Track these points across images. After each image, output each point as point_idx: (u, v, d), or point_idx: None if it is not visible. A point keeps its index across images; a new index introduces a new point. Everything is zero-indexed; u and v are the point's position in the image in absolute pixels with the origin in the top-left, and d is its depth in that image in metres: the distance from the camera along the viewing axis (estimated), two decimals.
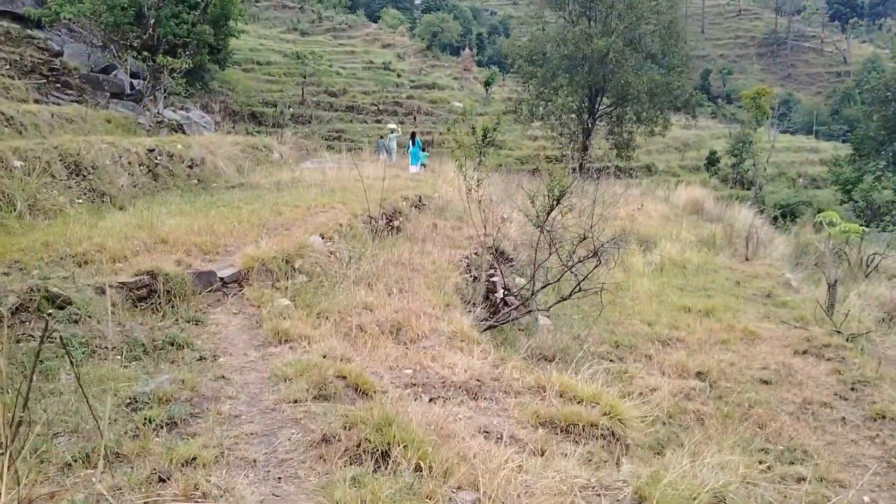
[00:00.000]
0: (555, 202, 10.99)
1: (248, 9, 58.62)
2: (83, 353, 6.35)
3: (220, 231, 10.79)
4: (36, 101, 27.11)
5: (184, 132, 30.42)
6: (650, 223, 22.76)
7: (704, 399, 10.47)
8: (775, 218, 28.54)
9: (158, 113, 32.53)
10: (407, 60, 67.46)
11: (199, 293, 8.23)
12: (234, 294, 8.53)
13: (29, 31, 31.66)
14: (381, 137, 36.11)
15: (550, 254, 11.43)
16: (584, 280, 10.89)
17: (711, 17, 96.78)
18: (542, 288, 11.65)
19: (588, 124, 42.35)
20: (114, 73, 31.84)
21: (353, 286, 9.81)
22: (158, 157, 18.84)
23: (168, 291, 7.96)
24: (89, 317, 7.04)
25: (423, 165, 31.52)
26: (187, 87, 37.74)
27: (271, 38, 64.85)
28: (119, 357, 6.53)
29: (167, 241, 9.87)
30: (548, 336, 12.56)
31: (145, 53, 31.60)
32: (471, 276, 13.33)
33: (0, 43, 30.01)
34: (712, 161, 45.77)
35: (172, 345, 6.87)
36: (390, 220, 15.01)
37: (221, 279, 8.50)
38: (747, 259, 20.70)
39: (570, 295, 11.04)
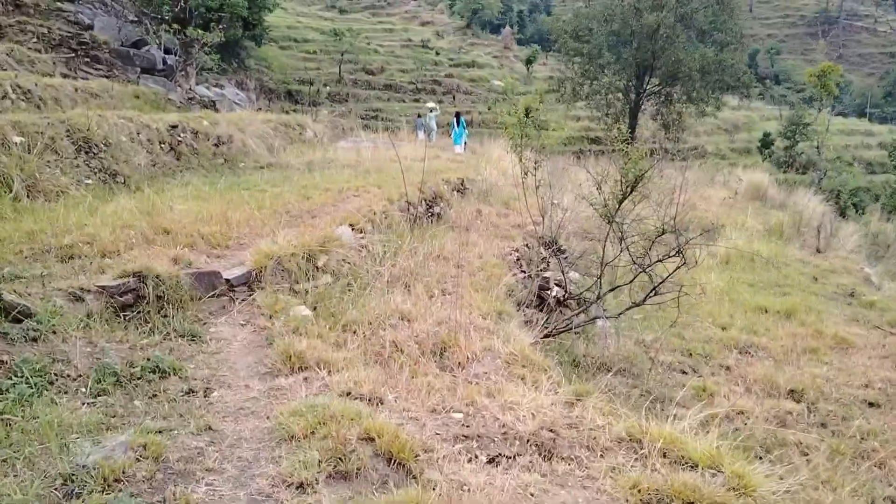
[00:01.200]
0: (629, 189, 9.23)
1: None
2: (34, 384, 4.77)
3: (236, 219, 9.21)
4: (64, 76, 25.74)
5: (216, 109, 28.99)
6: (711, 210, 20.81)
7: (805, 426, 8.68)
8: (844, 205, 26.30)
9: (190, 89, 31.18)
10: (446, 38, 65.44)
11: (200, 299, 6.65)
12: (243, 300, 6.93)
13: (59, 4, 30.29)
14: (419, 116, 34.35)
15: (622, 250, 9.66)
16: (663, 282, 9.11)
17: None
18: (611, 291, 9.89)
19: (635, 104, 40.16)
20: (145, 48, 30.42)
21: (388, 288, 8.18)
22: (182, 135, 17.34)
23: (160, 297, 6.38)
24: (53, 333, 5.48)
25: (465, 145, 29.79)
26: (221, 63, 36.40)
27: (309, 15, 63.26)
28: (84, 390, 4.96)
29: (170, 231, 8.31)
30: (608, 342, 10.85)
31: (176, 26, 30.22)
32: (522, 272, 11.64)
33: (28, 15, 28.69)
34: (766, 143, 43.29)
35: (156, 371, 5.28)
36: (430, 206, 13.34)
37: (228, 281, 6.90)
38: (818, 251, 18.72)
39: (645, 300, 9.29)
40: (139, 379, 5.18)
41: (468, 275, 9.47)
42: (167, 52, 31.83)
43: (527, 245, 12.38)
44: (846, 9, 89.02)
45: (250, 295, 6.97)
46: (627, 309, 9.78)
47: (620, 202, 9.41)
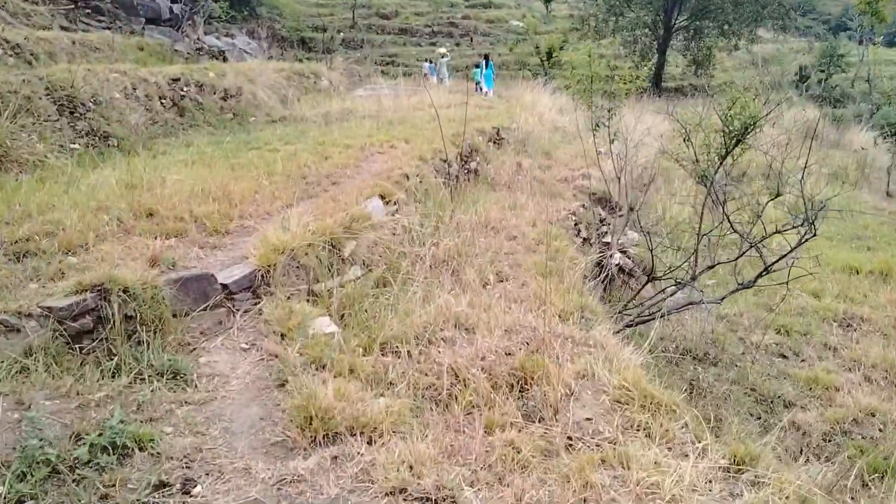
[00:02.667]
0: (734, 142, 7.21)
1: None
2: None
3: (239, 193, 7.31)
4: (64, 29, 23.66)
5: (225, 59, 26.85)
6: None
7: None
8: None
9: (198, 39, 29.05)
10: None
11: (187, 314, 4.78)
12: (246, 311, 5.06)
13: None
14: (428, 61, 32.19)
15: (721, 222, 7.64)
16: (784, 257, 7.14)
17: None
18: (710, 269, 7.92)
19: (663, 40, 37.45)
20: None
21: (432, 276, 6.29)
22: (185, 88, 15.36)
23: (130, 317, 4.53)
24: None
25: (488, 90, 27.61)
26: (230, 11, 34.12)
27: None
28: None
29: (156, 213, 6.43)
30: (688, 320, 8.95)
31: None
32: (582, 238, 9.71)
33: None
34: (803, 77, 40.51)
35: (113, 450, 3.46)
36: (466, 162, 11.35)
37: (225, 287, 5.03)
38: (889, 195, 16.56)
39: (755, 281, 7.32)
40: (87, 465, 3.35)
41: (526, 250, 7.54)
42: (174, 0, 29.57)
43: (583, 206, 10.40)
44: None
45: (255, 304, 5.11)
46: (733, 292, 7.80)
47: (723, 158, 7.40)
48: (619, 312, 7.27)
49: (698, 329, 8.47)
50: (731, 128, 7.21)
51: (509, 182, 11.65)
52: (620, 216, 11.36)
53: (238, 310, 4.99)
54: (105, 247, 5.50)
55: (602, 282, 8.91)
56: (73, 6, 25.70)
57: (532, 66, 37.38)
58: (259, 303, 5.08)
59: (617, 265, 9.84)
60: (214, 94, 16.35)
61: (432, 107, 19.32)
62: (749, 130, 7.19)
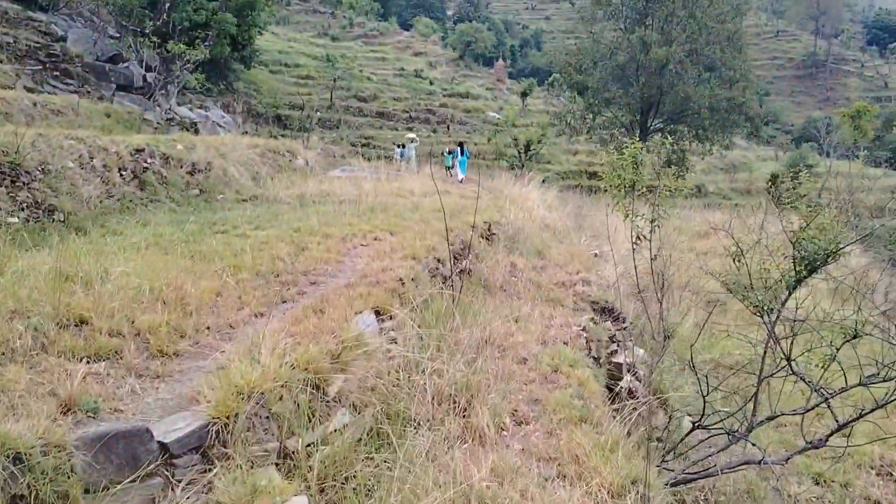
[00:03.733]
0: (806, 270, 5.98)
1: (278, 11, 54.25)
2: None
3: (197, 294, 5.86)
4: (28, 90, 22.26)
5: (197, 131, 25.62)
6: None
7: None
8: None
9: (170, 109, 27.77)
10: (439, 69, 62.52)
11: (107, 488, 3.27)
12: (191, 480, 3.56)
13: (30, 13, 26.82)
14: (399, 146, 31.78)
15: (785, 364, 6.28)
16: (861, 417, 5.81)
17: (749, 37, 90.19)
18: (770, 420, 6.54)
19: (639, 140, 37.13)
20: (123, 63, 26.96)
21: (436, 418, 4.86)
22: (149, 160, 13.97)
23: (20, 499, 3.02)
24: None
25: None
26: (206, 83, 33.09)
27: (301, 41, 60.01)
28: None
29: (88, 320, 4.95)
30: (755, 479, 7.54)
31: (157, 40, 26.89)
32: (589, 356, 8.35)
33: None
34: (774, 185, 40.45)
35: None
36: (458, 260, 10.03)
37: (163, 447, 3.53)
38: None
39: (827, 440, 5.97)
40: None
41: (542, 379, 6.16)
42: (147, 69, 28.38)
43: (592, 319, 9.09)
44: (833, 53, 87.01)
45: (205, 472, 3.61)
46: (801, 451, 6.41)
47: (793, 288, 6.17)
48: (660, 466, 5.85)
49: (731, 481, 7.09)
50: (804, 253, 6.02)
51: (504, 284, 10.36)
52: (624, 329, 10.07)
53: (180, 481, 3.50)
54: (9, 372, 4.00)
55: (616, 412, 7.52)
56: (40, 67, 24.42)
57: (509, 157, 36.77)
58: (210, 470, 3.59)
59: (628, 388, 8.50)
60: (181, 167, 14.98)
61: (413, 195, 18.26)
62: (830, 258, 5.99)
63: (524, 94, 53.77)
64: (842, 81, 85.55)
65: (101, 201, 12.04)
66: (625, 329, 10.34)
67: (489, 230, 12.50)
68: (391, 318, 5.86)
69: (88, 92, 24.67)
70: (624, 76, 36.27)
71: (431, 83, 55.10)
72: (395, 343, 5.41)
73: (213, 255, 7.88)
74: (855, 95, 76.62)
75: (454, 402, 5.12)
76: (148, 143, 14.39)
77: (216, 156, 16.73)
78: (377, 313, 5.81)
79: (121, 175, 13.09)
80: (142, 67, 27.20)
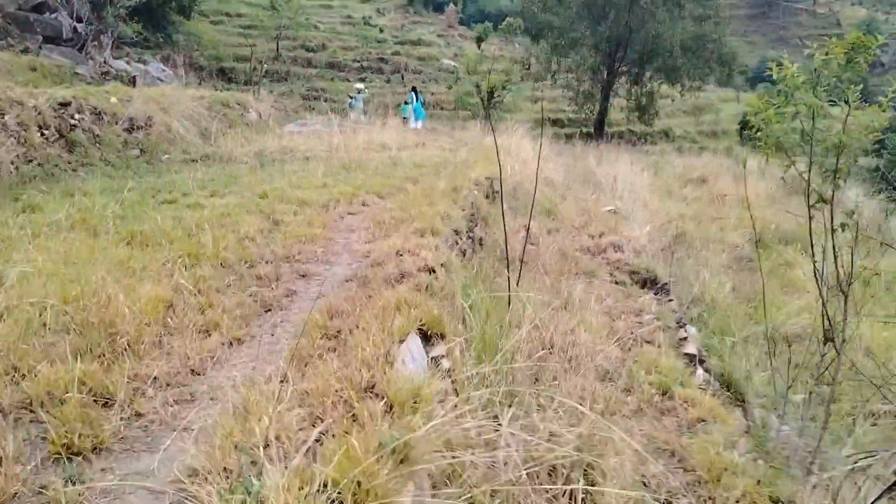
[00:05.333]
0: None
1: None
2: None
3: (137, 312, 3.70)
4: None
5: (135, 86, 22.83)
6: (763, 210, 15.86)
7: None
8: None
9: (104, 62, 24.83)
10: (387, 16, 59.38)
11: None
12: None
13: None
14: (351, 97, 29.82)
15: None
16: None
17: None
18: None
19: (607, 83, 35.13)
20: (53, 14, 23.86)
21: None
22: (77, 116, 11.52)
23: None
24: None
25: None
26: (143, 33, 30.03)
27: None
28: None
29: None
30: None
31: None
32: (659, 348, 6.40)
33: None
34: (746, 125, 38.83)
35: None
36: (470, 228, 7.98)
37: None
38: None
39: None
40: None
41: (655, 410, 4.19)
42: (78, 19, 25.25)
43: (657, 298, 7.15)
44: None
45: None
46: None
47: None
48: None
49: None
50: None
51: (524, 255, 8.33)
52: (670, 301, 8.16)
53: None
54: None
55: None
56: None
57: (472, 105, 34.49)
58: None
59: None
60: (116, 124, 12.52)
61: (386, 148, 16.03)
62: None
63: (479, 40, 51.19)
64: (794, 20, 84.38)
65: (16, 168, 9.66)
66: (671, 300, 8.44)
67: (492, 188, 10.43)
68: (441, 337, 3.77)
69: (11, 45, 21.70)
70: (591, 14, 34.04)
71: (381, 31, 52.20)
72: (454, 383, 3.34)
73: (159, 238, 5.69)
74: (807, 34, 75.47)
75: (567, 478, 3.11)
76: (75, 95, 11.88)
77: (157, 110, 14.23)
78: (426, 335, 3.72)
79: (42, 135, 10.65)
80: (71, 17, 24.12)
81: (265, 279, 4.89)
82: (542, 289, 6.92)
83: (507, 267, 4.95)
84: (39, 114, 10.72)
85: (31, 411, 2.77)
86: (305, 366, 3.14)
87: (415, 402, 2.73)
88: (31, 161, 10.04)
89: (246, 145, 14.84)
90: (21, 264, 4.52)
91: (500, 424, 3.09)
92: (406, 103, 27.19)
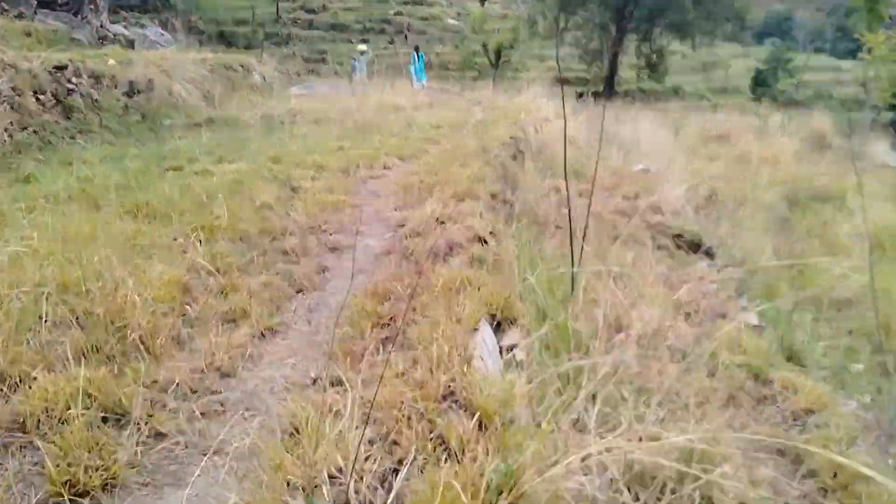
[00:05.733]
0: None
1: None
2: None
3: (149, 300, 3.09)
4: None
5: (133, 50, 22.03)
6: (791, 167, 15.16)
7: None
8: None
9: (101, 27, 23.99)
10: None
11: None
12: None
13: None
14: (353, 59, 28.93)
15: None
16: None
17: None
18: None
19: (616, 40, 34.13)
20: None
21: None
22: (74, 80, 10.82)
23: None
24: None
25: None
26: None
27: None
28: None
29: None
30: None
31: None
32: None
33: None
34: (759, 82, 37.84)
35: None
36: (504, 189, 7.36)
37: None
38: None
39: None
40: None
41: (751, 399, 3.60)
42: None
43: (717, 268, 6.55)
44: None
45: None
46: None
47: None
48: None
49: None
50: None
51: (558, 219, 7.70)
52: (727, 268, 7.53)
53: None
54: None
55: None
56: None
57: (479, 65, 33.58)
58: None
59: None
60: (116, 88, 11.81)
61: (399, 109, 15.33)
62: None
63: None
64: None
65: (10, 136, 9.00)
66: (714, 264, 7.84)
67: (518, 148, 9.78)
68: (511, 322, 3.17)
69: (5, 10, 20.87)
70: None
71: None
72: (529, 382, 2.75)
73: (167, 209, 5.07)
74: None
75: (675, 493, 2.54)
76: (71, 58, 11.16)
77: (158, 73, 13.50)
78: (499, 323, 3.11)
79: (37, 100, 9.96)
80: None
81: (291, 254, 4.29)
82: (585, 257, 6.33)
83: (571, 240, 4.31)
84: (34, 78, 10.03)
85: (25, 433, 2.19)
86: (358, 363, 2.56)
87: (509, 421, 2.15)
88: (25, 128, 9.38)
89: (252, 108, 14.14)
90: (14, 244, 3.92)
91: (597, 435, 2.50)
92: (411, 63, 26.44)
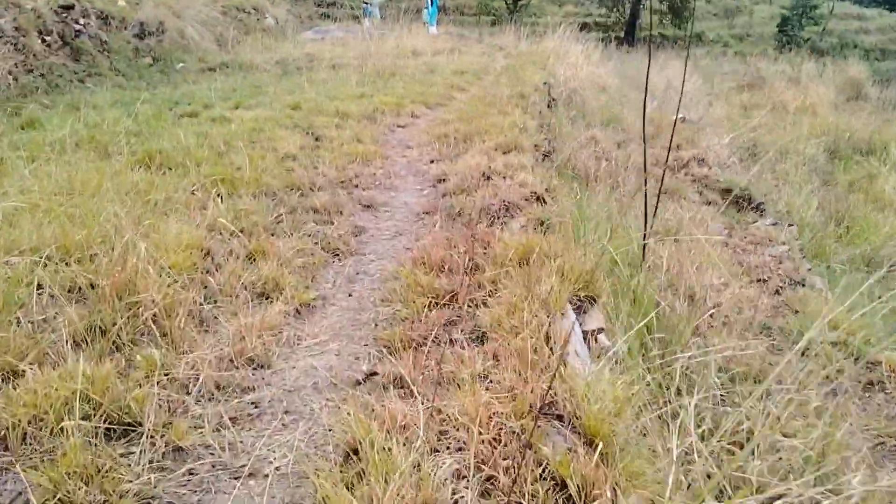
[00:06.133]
0: None
1: None
2: None
3: (164, 269, 2.58)
4: None
5: None
6: (829, 117, 14.40)
7: None
8: None
9: None
10: None
11: None
12: None
13: None
14: (365, 3, 27.77)
15: None
16: None
17: None
18: None
19: None
20: None
21: None
22: (82, 21, 10.22)
23: None
24: None
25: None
26: None
27: None
28: None
29: None
30: None
31: None
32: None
33: None
34: (784, 29, 36.46)
35: None
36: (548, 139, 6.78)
37: None
38: None
39: None
40: None
41: (849, 387, 3.09)
42: None
43: (775, 223, 5.99)
44: None
45: None
46: None
47: None
48: None
49: None
50: None
51: (598, 171, 7.13)
52: (791, 227, 6.96)
53: None
54: None
55: None
56: None
57: (496, 10, 32.49)
58: None
59: None
60: (126, 29, 11.19)
61: (417, 54, 14.63)
62: None
63: None
64: None
65: (15, 78, 8.47)
66: (791, 227, 7.25)
67: (550, 95, 9.14)
68: (591, 301, 2.64)
69: None
70: None
71: None
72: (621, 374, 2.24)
73: (182, 158, 4.55)
74: None
75: None
76: None
77: (169, 15, 12.84)
78: (579, 302, 2.58)
79: (43, 41, 9.40)
80: None
81: (322, 212, 3.77)
82: (637, 215, 5.80)
83: (645, 201, 3.77)
84: (39, 17, 9.44)
85: (5, 451, 1.71)
86: (420, 356, 2.05)
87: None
88: (31, 71, 8.84)
89: (266, 52, 13.48)
90: (12, 198, 3.43)
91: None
92: (425, 8, 25.42)
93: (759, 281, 4.31)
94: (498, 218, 3.37)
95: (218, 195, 3.74)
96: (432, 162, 5.02)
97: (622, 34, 33.48)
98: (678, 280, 3.81)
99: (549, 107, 8.65)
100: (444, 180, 4.37)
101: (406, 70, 11.12)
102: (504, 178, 4.04)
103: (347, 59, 12.70)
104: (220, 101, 7.77)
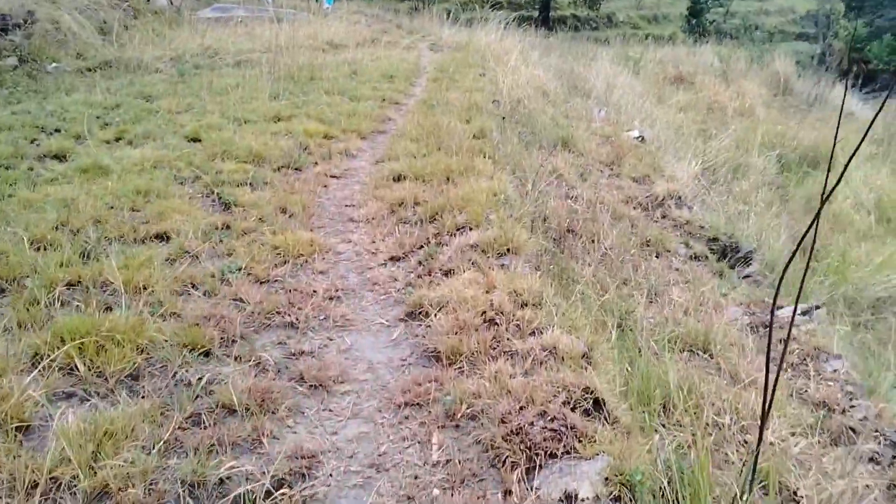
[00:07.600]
0: None
1: None
2: None
3: None
4: None
5: None
6: (768, 120, 13.49)
7: None
8: None
9: None
10: None
11: None
12: None
13: None
14: None
15: None
16: None
17: None
18: None
19: None
20: None
21: None
22: None
23: None
24: None
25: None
26: None
27: None
28: None
29: None
30: None
31: None
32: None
33: None
34: (695, 12, 35.75)
35: None
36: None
37: None
38: None
39: None
40: None
41: None
42: None
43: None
44: None
45: None
46: None
47: None
48: None
49: None
50: None
51: (569, 220, 5.77)
52: (747, 261, 5.88)
53: None
54: None
55: None
56: None
57: None
58: None
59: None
60: None
61: (333, 46, 12.91)
62: None
63: None
64: None
65: None
66: (750, 276, 6.12)
67: (501, 115, 7.71)
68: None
69: None
70: None
71: None
72: None
73: (21, 274, 2.95)
74: None
75: None
76: None
77: (42, 2, 10.69)
78: None
79: None
80: None
81: (240, 416, 2.26)
82: (624, 280, 4.55)
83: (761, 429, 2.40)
84: None
85: None
86: None
87: None
88: None
89: (158, 44, 11.52)
90: None
91: None
92: None
93: (845, 438, 3.06)
94: (542, 454, 1.97)
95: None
96: (393, 259, 3.55)
97: (536, 13, 32.30)
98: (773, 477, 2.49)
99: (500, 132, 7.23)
100: (422, 313, 2.93)
101: (326, 71, 9.48)
102: (517, 326, 2.64)
103: (255, 53, 10.92)
104: (99, 129, 6.03)
